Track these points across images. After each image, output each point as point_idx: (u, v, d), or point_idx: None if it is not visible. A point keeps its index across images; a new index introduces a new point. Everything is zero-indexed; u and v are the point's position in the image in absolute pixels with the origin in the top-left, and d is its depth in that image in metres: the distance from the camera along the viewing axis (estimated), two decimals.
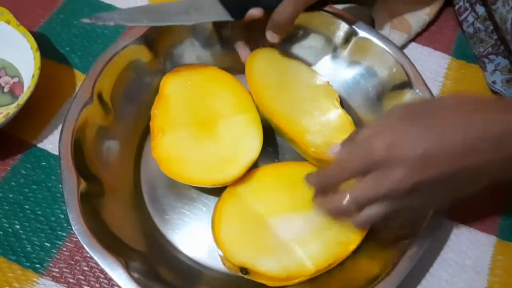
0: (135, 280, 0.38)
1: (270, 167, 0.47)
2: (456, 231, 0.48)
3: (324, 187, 0.36)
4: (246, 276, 0.42)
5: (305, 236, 0.43)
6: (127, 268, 0.39)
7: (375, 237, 0.44)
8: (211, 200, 0.48)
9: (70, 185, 0.41)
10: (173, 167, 0.44)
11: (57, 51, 0.57)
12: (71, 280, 0.44)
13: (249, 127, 0.46)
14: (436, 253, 0.47)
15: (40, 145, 0.50)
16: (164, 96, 0.48)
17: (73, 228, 0.40)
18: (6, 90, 0.53)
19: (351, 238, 0.43)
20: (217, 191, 0.46)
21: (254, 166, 0.46)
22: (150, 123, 0.47)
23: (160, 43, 0.51)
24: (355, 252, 0.43)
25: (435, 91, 0.56)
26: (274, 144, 0.51)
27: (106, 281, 0.44)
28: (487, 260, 0.47)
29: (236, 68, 0.51)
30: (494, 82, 0.55)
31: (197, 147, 0.45)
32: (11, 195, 0.48)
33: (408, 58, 0.50)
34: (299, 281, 0.41)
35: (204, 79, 0.50)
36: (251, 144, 0.45)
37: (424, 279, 0.46)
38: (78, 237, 0.39)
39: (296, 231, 0.43)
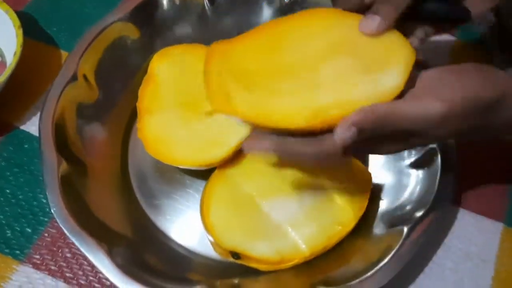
0: (118, 266, 0.36)
1: None
2: (461, 217, 0.46)
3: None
4: (238, 261, 0.40)
5: (298, 218, 0.41)
6: (110, 254, 0.36)
7: (375, 221, 0.41)
8: (204, 185, 0.45)
9: (50, 165, 0.39)
10: (158, 147, 0.43)
11: (43, 31, 0.54)
12: (52, 268, 0.42)
13: None
14: (440, 239, 0.44)
15: (23, 127, 0.48)
16: (153, 76, 0.46)
17: (52, 210, 0.37)
18: None
19: (347, 220, 0.41)
20: (209, 176, 0.44)
21: None
22: (137, 103, 0.45)
23: (149, 21, 0.49)
24: (354, 234, 0.41)
25: None
26: None
27: (89, 268, 0.41)
28: (494, 247, 0.44)
29: None
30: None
31: (184, 128, 0.44)
32: None
33: None
34: (293, 264, 0.39)
35: (195, 59, 0.47)
36: (240, 124, 0.43)
37: (427, 267, 0.43)
38: (57, 219, 0.37)
39: (289, 213, 0.41)
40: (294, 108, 0.32)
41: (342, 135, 0.29)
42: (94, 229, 0.38)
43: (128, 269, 0.37)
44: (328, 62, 0.33)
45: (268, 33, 0.35)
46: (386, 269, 0.37)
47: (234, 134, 0.43)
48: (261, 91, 0.33)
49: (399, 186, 0.43)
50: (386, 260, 0.37)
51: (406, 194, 0.42)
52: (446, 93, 0.31)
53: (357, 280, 0.37)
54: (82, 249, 0.36)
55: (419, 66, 0.32)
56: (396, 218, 0.41)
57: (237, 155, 0.43)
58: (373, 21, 0.32)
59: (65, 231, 0.37)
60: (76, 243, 0.36)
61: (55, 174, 0.39)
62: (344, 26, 0.33)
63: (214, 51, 0.36)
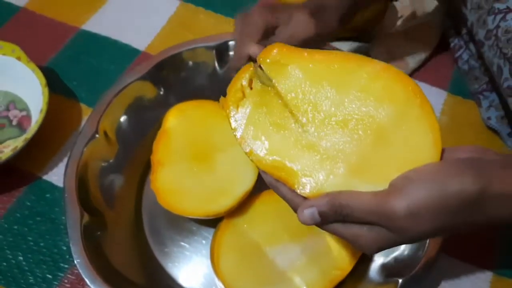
0: None
1: (265, 195, 0.48)
2: (452, 265, 0.48)
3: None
4: None
5: (301, 264, 0.44)
6: None
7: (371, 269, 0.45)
8: (211, 233, 0.48)
9: (74, 218, 0.42)
10: (169, 199, 0.46)
11: (64, 85, 0.58)
12: None
13: (244, 159, 0.47)
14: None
15: (45, 177, 0.52)
16: (166, 131, 0.50)
17: (75, 262, 0.40)
18: (14, 123, 0.54)
19: (344, 264, 0.44)
20: (217, 224, 0.47)
21: (251, 195, 0.47)
22: (151, 157, 0.48)
23: (165, 80, 0.53)
24: (354, 279, 0.44)
25: None
26: None
27: None
28: None
29: None
30: (489, 118, 0.56)
31: (194, 180, 0.47)
32: (15, 227, 0.49)
33: None
34: None
35: (205, 114, 0.51)
36: (246, 175, 0.47)
37: None
38: (80, 270, 0.40)
39: (293, 259, 0.44)
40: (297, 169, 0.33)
41: (301, 214, 0.32)
42: (112, 278, 0.41)
43: None
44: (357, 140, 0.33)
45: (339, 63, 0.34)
46: None
47: (239, 185, 0.46)
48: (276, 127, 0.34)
49: None
50: None
51: (399, 250, 0.44)
52: (414, 193, 0.29)
53: None
54: None
55: None
56: (391, 269, 0.44)
57: (243, 204, 0.47)
58: None
59: (88, 283, 0.40)
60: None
61: (77, 226, 0.42)
62: (398, 102, 0.32)
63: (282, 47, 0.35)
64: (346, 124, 0.33)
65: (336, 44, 0.58)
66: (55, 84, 0.58)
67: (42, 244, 0.48)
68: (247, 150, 0.35)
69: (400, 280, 0.41)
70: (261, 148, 0.34)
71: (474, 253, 0.49)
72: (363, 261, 0.45)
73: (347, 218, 0.31)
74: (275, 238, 0.45)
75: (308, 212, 0.31)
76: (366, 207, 0.30)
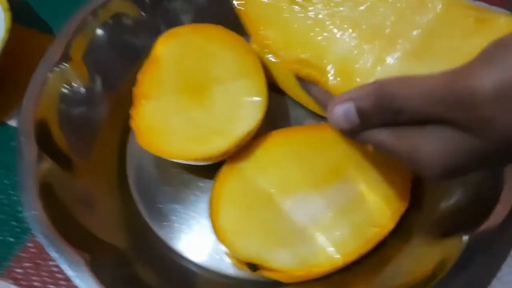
0: (102, 282, 0.29)
1: (279, 133, 0.38)
2: None
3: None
4: (256, 273, 0.34)
5: (327, 218, 0.35)
6: (91, 265, 0.30)
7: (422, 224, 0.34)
8: None
9: (28, 160, 0.33)
10: (152, 138, 0.36)
11: (37, 16, 0.50)
12: (35, 284, 0.36)
13: (249, 93, 0.38)
14: (506, 251, 0.36)
15: (10, 122, 0.43)
16: (155, 59, 0.40)
17: (25, 214, 0.31)
18: None
19: (384, 219, 0.34)
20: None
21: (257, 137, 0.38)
22: (134, 88, 0.39)
23: (151, 1, 0.43)
24: (396, 238, 0.34)
25: None
26: (286, 116, 0.42)
27: None
28: None
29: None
30: None
31: (184, 117, 0.38)
32: None
33: None
34: (322, 274, 0.33)
35: (204, 40, 0.41)
36: (250, 113, 0.37)
37: (489, 286, 0.35)
38: (30, 224, 0.31)
39: (315, 213, 0.35)
40: None
41: (331, 112, 0.24)
42: (75, 237, 0.32)
43: (114, 285, 0.30)
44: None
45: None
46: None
47: (241, 123, 0.37)
48: None
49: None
50: (442, 276, 0.29)
51: (463, 190, 0.34)
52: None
53: None
54: (57, 261, 0.30)
55: None
56: (451, 223, 0.33)
57: (248, 147, 0.37)
58: None
59: (40, 239, 0.30)
60: (46, 248, 0.30)
61: (32, 170, 0.33)
62: None
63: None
64: None
65: None
66: (26, 15, 0.49)
67: (5, 201, 0.39)
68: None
69: (466, 238, 0.30)
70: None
71: None
72: (410, 213, 0.35)
73: (400, 117, 0.22)
74: (292, 187, 0.36)
75: (342, 109, 0.23)
76: (429, 91, 0.20)
